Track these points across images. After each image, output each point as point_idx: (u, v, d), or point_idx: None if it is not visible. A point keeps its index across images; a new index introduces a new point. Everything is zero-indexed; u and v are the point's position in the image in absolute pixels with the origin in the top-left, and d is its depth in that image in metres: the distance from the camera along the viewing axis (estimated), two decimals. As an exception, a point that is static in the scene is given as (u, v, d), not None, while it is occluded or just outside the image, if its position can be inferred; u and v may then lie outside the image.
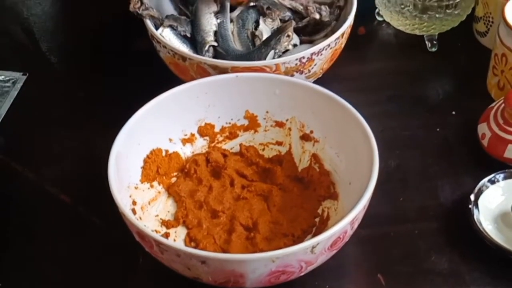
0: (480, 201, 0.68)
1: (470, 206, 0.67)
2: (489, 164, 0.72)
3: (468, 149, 0.75)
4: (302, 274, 0.60)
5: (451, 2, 0.83)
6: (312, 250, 0.57)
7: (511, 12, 0.75)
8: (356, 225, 0.61)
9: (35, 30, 0.92)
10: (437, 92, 0.83)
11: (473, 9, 0.86)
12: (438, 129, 0.78)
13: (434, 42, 0.86)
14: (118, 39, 0.88)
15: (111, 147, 0.65)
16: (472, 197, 0.68)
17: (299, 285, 0.63)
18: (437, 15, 0.83)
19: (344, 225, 0.58)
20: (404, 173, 0.74)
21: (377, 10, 0.90)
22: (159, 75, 0.79)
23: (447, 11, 0.83)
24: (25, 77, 0.85)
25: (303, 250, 0.56)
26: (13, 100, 0.82)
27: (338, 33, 0.75)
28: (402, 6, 0.84)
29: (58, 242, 0.69)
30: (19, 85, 0.84)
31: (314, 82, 0.78)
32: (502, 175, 0.69)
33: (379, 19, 0.90)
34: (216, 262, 0.56)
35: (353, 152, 0.67)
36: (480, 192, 0.68)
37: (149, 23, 0.77)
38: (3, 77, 0.84)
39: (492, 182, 0.69)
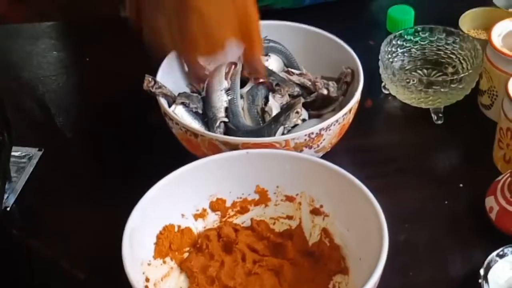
0: (489, 276, 0.69)
1: (480, 281, 0.68)
2: (498, 237, 0.73)
3: (477, 222, 0.76)
4: None
5: (455, 77, 0.85)
6: (322, 328, 0.58)
7: (514, 87, 0.77)
8: (365, 302, 0.62)
9: (51, 106, 0.94)
10: (444, 164, 0.85)
11: (478, 82, 0.88)
12: (446, 202, 0.79)
13: (440, 115, 0.88)
14: (132, 115, 0.91)
15: (124, 223, 0.67)
16: (481, 271, 0.68)
17: None
18: (442, 90, 0.86)
19: (354, 303, 0.58)
20: (413, 246, 0.75)
21: (383, 84, 0.92)
22: (172, 150, 0.81)
23: (452, 85, 0.85)
24: (40, 152, 0.87)
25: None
26: (29, 176, 0.84)
27: (346, 109, 0.77)
28: (408, 81, 0.86)
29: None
30: (34, 161, 0.86)
31: (323, 156, 0.79)
32: (510, 249, 0.70)
33: (386, 92, 0.93)
34: None
35: (362, 227, 0.68)
36: (489, 266, 0.69)
37: (162, 101, 0.80)
38: (19, 153, 0.86)
39: (500, 256, 0.70)
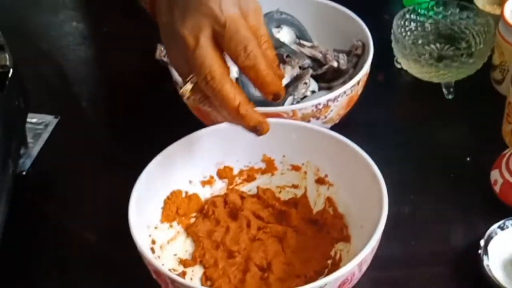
0: (490, 247, 0.69)
1: (480, 252, 0.69)
2: (500, 210, 0.74)
3: (481, 195, 0.77)
4: (311, 314, 0.62)
5: (466, 51, 0.86)
6: (320, 291, 0.59)
7: (523, 62, 0.78)
8: (364, 268, 0.63)
9: (68, 75, 0.96)
10: (453, 138, 0.85)
11: (490, 57, 0.88)
12: (452, 175, 0.80)
13: (451, 89, 0.89)
14: (147, 85, 0.92)
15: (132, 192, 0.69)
16: (482, 243, 0.69)
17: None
18: (453, 64, 0.86)
19: (352, 267, 0.60)
20: (417, 217, 0.76)
21: (395, 58, 0.92)
22: (183, 119, 0.82)
23: (463, 59, 0.85)
24: (56, 120, 0.89)
25: (311, 291, 0.58)
26: (45, 142, 0.87)
27: (354, 80, 0.78)
28: (419, 55, 0.87)
29: (82, 277, 0.73)
30: (50, 128, 0.88)
31: (331, 127, 0.80)
32: (510, 222, 0.71)
33: (398, 66, 0.93)
34: (228, 300, 0.58)
35: (364, 196, 0.69)
36: (490, 238, 0.70)
37: (173, 71, 0.81)
38: (36, 119, 0.89)
39: (501, 228, 0.71)
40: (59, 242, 0.77)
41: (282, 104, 0.78)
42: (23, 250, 0.75)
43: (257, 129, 0.64)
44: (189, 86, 0.64)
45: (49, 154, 0.86)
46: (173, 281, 0.60)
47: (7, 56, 0.77)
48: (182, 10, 0.65)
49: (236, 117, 0.64)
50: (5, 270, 0.73)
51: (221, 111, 0.65)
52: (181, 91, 0.66)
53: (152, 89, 0.91)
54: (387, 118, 0.88)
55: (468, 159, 0.81)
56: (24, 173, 0.83)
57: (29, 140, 0.86)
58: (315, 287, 0.58)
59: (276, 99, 0.64)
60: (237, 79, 0.82)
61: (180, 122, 0.83)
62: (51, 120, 0.89)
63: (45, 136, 0.87)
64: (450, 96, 0.89)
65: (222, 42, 0.64)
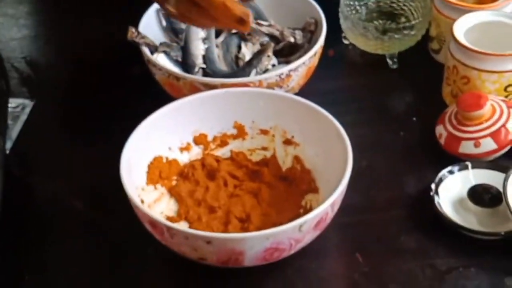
0: (440, 189, 0.79)
1: (431, 193, 0.78)
2: (446, 159, 0.83)
3: (428, 148, 0.86)
4: (292, 252, 0.70)
5: (407, 24, 0.95)
6: (300, 229, 0.67)
7: (458, 29, 0.88)
8: (336, 208, 0.72)
9: (39, 62, 1.02)
10: (399, 102, 0.95)
11: (428, 30, 0.99)
12: (401, 133, 0.89)
13: (395, 60, 0.98)
14: (118, 67, 0.98)
15: (115, 159, 0.75)
16: (433, 186, 0.79)
17: (288, 264, 0.73)
18: (395, 36, 0.95)
19: (326, 207, 0.68)
20: (374, 171, 0.85)
21: (343, 34, 1.02)
22: (155, 95, 0.89)
23: (404, 32, 0.95)
24: (32, 103, 0.94)
25: (292, 229, 0.66)
26: (23, 124, 0.92)
27: (311, 52, 0.87)
28: (365, 29, 0.96)
29: (73, 243, 0.78)
30: (27, 110, 0.93)
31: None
32: (457, 167, 0.81)
33: (346, 42, 1.02)
34: (220, 241, 0.66)
35: (329, 152, 0.78)
36: (440, 181, 0.80)
37: (145, 49, 0.88)
38: (13, 104, 0.94)
39: (450, 172, 0.81)
40: (48, 212, 0.82)
41: (248, 75, 0.86)
42: (13, 222, 0.80)
43: (244, 20, 0.71)
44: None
45: (28, 134, 0.91)
46: (168, 228, 0.67)
47: (-10, 41, 0.82)
48: None
49: (224, 10, 0.71)
50: (1, 242, 0.78)
51: (209, 10, 0.71)
52: (166, 6, 0.73)
53: (124, 70, 0.97)
54: (340, 87, 0.97)
55: (414, 119, 0.91)
56: (7, 152, 0.88)
57: (9, 122, 0.91)
58: (296, 225, 0.66)
59: (242, 25, 0.72)
60: (204, 56, 0.90)
61: (153, 99, 0.89)
62: (27, 103, 0.94)
63: (23, 118, 0.92)
64: (394, 66, 0.98)
65: None
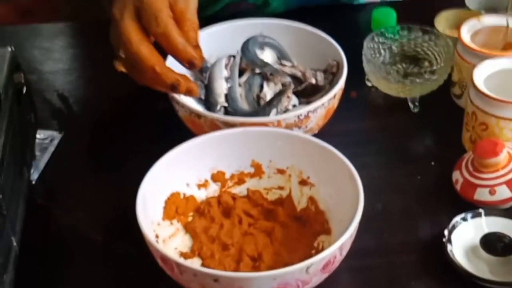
0: (453, 236, 0.79)
1: (444, 240, 0.79)
2: (462, 205, 0.83)
3: (444, 193, 0.87)
4: (300, 293, 0.71)
5: (428, 69, 0.96)
6: (307, 271, 0.68)
7: (478, 76, 0.88)
8: (344, 252, 0.72)
9: (69, 95, 1.05)
10: (419, 146, 0.96)
11: (450, 74, 0.99)
12: (419, 177, 0.90)
13: (416, 103, 0.99)
14: (144, 103, 1.01)
15: (136, 192, 0.77)
16: (446, 232, 0.79)
17: (297, 305, 0.74)
18: (417, 80, 0.96)
19: (334, 250, 0.69)
20: (389, 214, 0.85)
21: (366, 77, 1.03)
22: (178, 132, 0.91)
23: (426, 76, 0.96)
24: (61, 135, 0.98)
25: (299, 270, 0.68)
26: (51, 155, 0.95)
27: (331, 94, 0.88)
28: (387, 73, 0.97)
29: (90, 274, 0.81)
30: (55, 142, 0.96)
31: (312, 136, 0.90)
32: (470, 214, 0.81)
33: (369, 84, 1.04)
34: (227, 279, 0.67)
35: (343, 194, 0.79)
36: (453, 228, 0.80)
37: (169, 87, 0.90)
38: (42, 135, 0.97)
39: (464, 219, 0.81)
40: (68, 243, 0.85)
41: (268, 115, 0.88)
42: (35, 250, 0.83)
43: (175, 87, 0.74)
44: (121, 55, 0.76)
45: (55, 166, 0.94)
46: (178, 265, 0.69)
47: (22, 74, 0.86)
48: None
49: (153, 75, 0.74)
50: (21, 270, 0.80)
51: (143, 74, 0.74)
52: (114, 63, 0.76)
53: (149, 107, 1.00)
54: (360, 129, 0.98)
55: (432, 163, 0.91)
56: (33, 182, 0.91)
57: (37, 153, 0.94)
58: (303, 266, 0.67)
59: (192, 67, 0.75)
60: (226, 95, 0.92)
61: (176, 135, 0.92)
62: (56, 135, 0.98)
63: (51, 149, 0.96)
64: (415, 110, 0.99)
65: (140, 15, 0.75)
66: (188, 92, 0.75)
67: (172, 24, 0.74)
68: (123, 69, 0.77)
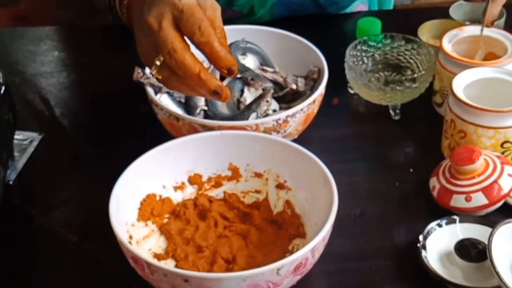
0: (428, 242, 0.79)
1: (418, 245, 0.78)
2: (438, 212, 0.83)
3: (422, 199, 0.87)
4: (271, 295, 0.71)
5: (409, 77, 0.97)
6: (277, 272, 0.68)
7: (457, 84, 0.89)
8: (317, 255, 0.72)
9: (50, 98, 1.05)
10: (398, 153, 0.95)
11: (431, 83, 1.00)
12: (397, 183, 0.90)
13: (397, 111, 0.99)
14: (123, 106, 1.01)
15: (111, 192, 0.77)
16: (421, 238, 0.79)
17: (269, 308, 0.73)
18: (398, 88, 0.97)
19: (305, 252, 0.69)
20: (366, 219, 0.85)
21: (348, 84, 1.03)
22: (157, 134, 0.91)
23: (407, 84, 0.96)
24: (40, 136, 0.97)
25: (269, 271, 0.67)
26: (30, 156, 0.95)
27: (310, 99, 0.88)
28: (369, 80, 0.97)
29: (65, 274, 0.80)
30: (35, 143, 0.96)
31: (291, 141, 0.90)
32: (445, 221, 0.81)
33: (351, 91, 1.04)
34: (197, 280, 0.67)
35: (317, 198, 0.79)
36: (428, 234, 0.80)
37: (149, 90, 0.90)
38: (21, 136, 0.97)
39: (439, 225, 0.81)
40: (44, 243, 0.84)
41: (247, 119, 0.88)
42: (10, 251, 0.83)
43: (217, 93, 0.75)
44: (157, 63, 0.75)
45: (33, 167, 0.94)
46: (149, 265, 0.68)
47: (0, 74, 0.86)
48: (149, 4, 0.77)
49: (198, 82, 0.75)
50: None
51: (185, 80, 0.75)
52: (150, 71, 0.77)
53: (128, 110, 1.00)
54: (341, 135, 0.98)
55: (411, 170, 0.91)
56: (10, 183, 0.91)
57: (15, 154, 0.94)
58: (273, 268, 0.67)
59: (230, 73, 0.76)
60: (206, 99, 0.92)
61: (154, 137, 0.92)
62: (35, 137, 0.97)
63: (30, 150, 0.95)
64: (396, 117, 0.99)
65: (181, 25, 0.76)
66: (225, 98, 0.76)
67: (214, 33, 0.76)
68: (159, 76, 0.77)
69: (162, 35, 0.75)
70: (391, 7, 1.29)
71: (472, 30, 0.99)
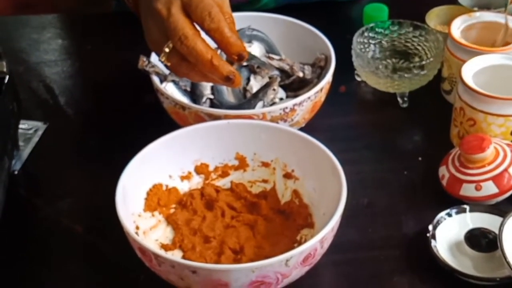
0: (437, 231, 0.78)
1: (428, 235, 0.78)
2: (447, 201, 0.82)
3: (430, 188, 0.86)
4: (280, 286, 0.70)
5: (417, 64, 0.95)
6: (286, 263, 0.67)
7: (467, 72, 0.87)
8: (326, 245, 0.71)
9: (55, 86, 1.04)
10: (407, 142, 0.94)
11: (440, 70, 0.98)
12: (405, 172, 0.89)
13: (405, 99, 0.98)
14: (128, 94, 1.01)
15: (117, 182, 0.76)
16: (430, 227, 0.78)
17: (277, 299, 0.73)
18: (406, 75, 0.95)
19: (314, 243, 0.68)
20: (374, 208, 0.84)
21: (356, 72, 1.02)
22: (162, 123, 0.90)
23: (415, 71, 0.95)
24: (45, 126, 0.97)
25: (278, 263, 0.66)
26: (35, 145, 0.94)
27: (317, 87, 0.87)
28: (376, 68, 0.96)
29: (71, 265, 0.80)
30: (40, 132, 0.96)
31: (298, 130, 0.89)
32: (455, 210, 0.80)
33: (358, 79, 1.02)
34: (205, 271, 0.66)
35: (326, 188, 0.78)
36: (438, 223, 0.79)
37: (154, 78, 0.89)
38: (26, 125, 0.96)
39: (449, 215, 0.80)
40: (49, 233, 0.84)
41: (253, 108, 0.87)
42: (15, 242, 0.82)
43: (230, 79, 0.74)
44: (166, 50, 0.74)
45: (38, 156, 0.93)
46: (156, 256, 0.68)
47: (4, 63, 0.85)
48: None
49: (211, 68, 0.74)
50: (0, 261, 0.79)
51: (197, 66, 0.74)
52: (159, 58, 0.76)
53: (134, 98, 0.99)
54: (349, 123, 0.97)
55: (420, 159, 0.90)
56: (15, 172, 0.90)
57: (20, 143, 0.93)
58: (282, 259, 0.66)
59: (240, 59, 0.75)
60: (212, 87, 0.91)
61: (160, 126, 0.91)
62: (40, 126, 0.97)
63: (35, 140, 0.95)
64: (404, 105, 0.98)
65: (190, 11, 0.75)
66: (237, 84, 0.76)
67: (224, 19, 0.74)
68: (168, 63, 0.76)
69: (172, 22, 0.74)
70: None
71: (482, 16, 0.97)
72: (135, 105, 0.99)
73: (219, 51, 0.77)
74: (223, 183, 0.84)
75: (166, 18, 0.74)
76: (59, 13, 1.22)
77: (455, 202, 0.82)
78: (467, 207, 0.80)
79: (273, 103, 0.90)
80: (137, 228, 0.77)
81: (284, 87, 0.94)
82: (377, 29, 1.03)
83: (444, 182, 0.84)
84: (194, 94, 0.91)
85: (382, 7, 1.09)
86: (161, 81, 0.90)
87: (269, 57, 0.96)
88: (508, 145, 0.84)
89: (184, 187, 0.83)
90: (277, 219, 0.80)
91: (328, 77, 0.89)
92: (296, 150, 0.82)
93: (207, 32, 0.75)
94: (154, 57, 0.91)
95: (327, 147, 0.80)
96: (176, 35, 0.73)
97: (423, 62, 0.95)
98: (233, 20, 0.77)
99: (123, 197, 0.74)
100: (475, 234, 0.77)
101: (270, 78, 0.93)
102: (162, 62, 0.76)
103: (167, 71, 0.92)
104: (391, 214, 0.83)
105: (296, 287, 0.73)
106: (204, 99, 0.90)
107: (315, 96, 0.87)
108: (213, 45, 0.77)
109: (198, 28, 0.76)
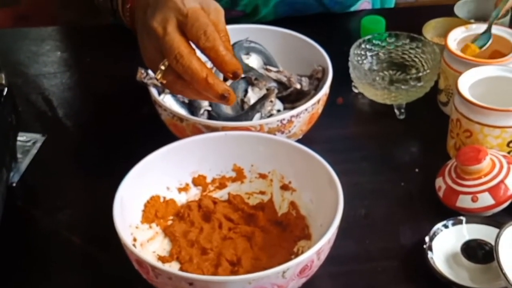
0: (434, 243, 0.78)
1: (425, 247, 0.78)
2: (444, 212, 0.83)
3: (427, 200, 0.86)
4: (276, 298, 0.70)
5: (414, 75, 0.96)
6: (283, 275, 0.67)
7: (463, 83, 0.88)
8: (323, 257, 0.71)
9: (53, 99, 1.05)
10: (404, 153, 0.95)
11: (436, 82, 0.99)
12: (402, 183, 0.89)
13: (402, 110, 0.99)
14: (127, 107, 1.01)
15: (114, 194, 0.77)
16: (427, 239, 0.78)
17: (274, 310, 0.73)
18: (403, 87, 0.96)
19: (311, 254, 0.68)
20: (371, 219, 0.85)
21: (353, 83, 1.02)
22: (160, 135, 0.90)
23: (412, 83, 0.96)
24: (43, 138, 0.97)
25: (275, 274, 0.67)
26: (33, 157, 0.94)
27: (314, 99, 0.88)
28: (373, 79, 0.97)
29: (69, 276, 0.80)
30: (38, 145, 0.96)
31: (296, 142, 0.89)
32: (452, 221, 0.80)
33: (355, 91, 1.03)
34: (202, 283, 0.66)
35: (323, 199, 0.78)
36: (434, 235, 0.79)
37: (152, 90, 0.90)
38: (24, 137, 0.96)
39: (445, 226, 0.80)
40: (47, 245, 0.84)
41: (251, 120, 0.88)
42: (13, 254, 0.82)
43: (225, 97, 0.75)
44: (162, 67, 0.75)
45: (36, 168, 0.93)
46: (153, 268, 0.68)
47: (3, 75, 0.85)
48: (152, 9, 0.77)
49: (206, 86, 0.74)
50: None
51: (192, 84, 0.75)
52: (155, 75, 0.76)
53: (132, 110, 0.99)
54: (346, 135, 0.98)
55: (416, 170, 0.91)
56: (14, 184, 0.90)
57: (19, 155, 0.93)
58: (279, 270, 0.67)
59: (235, 77, 0.76)
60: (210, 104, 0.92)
61: (158, 138, 0.91)
62: (38, 138, 0.97)
63: (33, 152, 0.95)
64: (401, 117, 0.99)
65: (186, 30, 0.75)
66: (232, 102, 0.76)
67: (219, 38, 0.75)
68: (163, 81, 0.77)
69: (168, 40, 0.74)
70: (392, 5, 1.29)
71: (478, 28, 0.98)
72: (133, 117, 0.99)
73: (214, 69, 0.78)
74: (221, 194, 0.85)
75: (162, 37, 0.75)
76: (58, 25, 1.23)
77: (452, 213, 0.82)
78: (463, 218, 0.80)
79: (271, 115, 0.91)
80: (135, 240, 0.77)
81: (281, 99, 0.94)
82: (374, 41, 1.03)
83: (440, 194, 0.84)
84: (192, 106, 0.92)
85: (379, 19, 1.10)
86: (159, 93, 0.91)
87: (266, 69, 0.96)
88: (504, 156, 0.84)
89: (181, 199, 0.83)
90: (274, 230, 0.80)
91: (325, 89, 0.90)
92: (293, 161, 0.82)
93: (203, 51, 0.75)
94: (153, 73, 0.92)
95: (324, 159, 0.80)
96: (172, 54, 0.74)
97: (420, 74, 0.96)
98: (228, 38, 0.78)
99: (120, 209, 0.75)
100: (471, 246, 0.77)
101: (267, 90, 0.94)
102: (157, 80, 0.77)
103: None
104: (388, 225, 0.84)
105: (292, 298, 0.73)
106: (202, 111, 0.91)
107: (312, 107, 0.88)
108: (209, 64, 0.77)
109: (194, 46, 0.76)
